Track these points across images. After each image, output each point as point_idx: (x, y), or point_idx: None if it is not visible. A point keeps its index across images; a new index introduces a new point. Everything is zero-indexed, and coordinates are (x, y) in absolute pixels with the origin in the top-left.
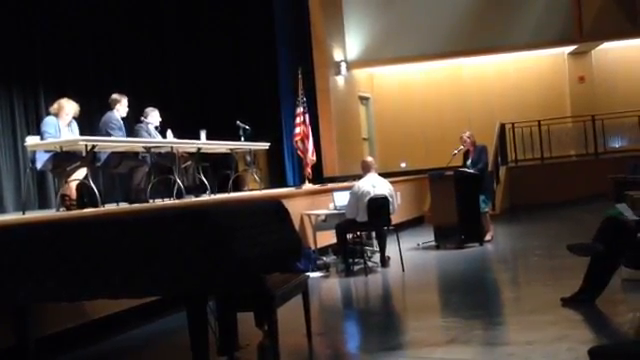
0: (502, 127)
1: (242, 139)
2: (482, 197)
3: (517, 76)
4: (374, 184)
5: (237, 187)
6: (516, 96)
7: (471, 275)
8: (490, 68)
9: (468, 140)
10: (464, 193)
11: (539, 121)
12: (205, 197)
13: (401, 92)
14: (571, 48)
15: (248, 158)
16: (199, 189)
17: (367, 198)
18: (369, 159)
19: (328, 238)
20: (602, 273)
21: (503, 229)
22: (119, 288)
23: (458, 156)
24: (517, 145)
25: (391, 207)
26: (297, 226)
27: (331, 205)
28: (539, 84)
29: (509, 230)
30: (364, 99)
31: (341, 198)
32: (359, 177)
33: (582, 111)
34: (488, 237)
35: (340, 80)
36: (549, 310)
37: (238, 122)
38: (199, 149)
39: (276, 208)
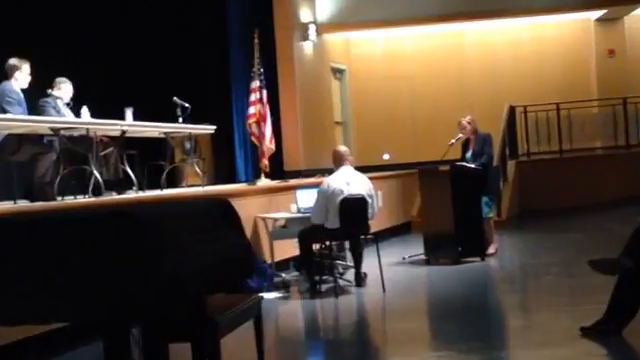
0: (511, 111)
1: (180, 120)
2: (485, 199)
3: (531, 48)
4: (348, 181)
5: (173, 182)
6: (530, 73)
7: (469, 298)
8: (498, 37)
9: (468, 126)
10: (463, 193)
11: (558, 104)
12: (130, 194)
13: (385, 64)
14: (599, 13)
15: (187, 145)
16: (123, 184)
17: (339, 198)
18: (343, 149)
19: (289, 249)
20: (631, 297)
21: (511, 240)
22: (11, 312)
23: (456, 146)
24: (530, 134)
25: (370, 210)
26: (249, 233)
27: (293, 207)
28: (558, 58)
29: (518, 241)
30: (338, 72)
31: (306, 198)
32: (329, 172)
33: (611, 92)
34: (492, 250)
35: (308, 47)
36: (565, 342)
37: (175, 99)
38: (124, 132)
39: (222, 210)
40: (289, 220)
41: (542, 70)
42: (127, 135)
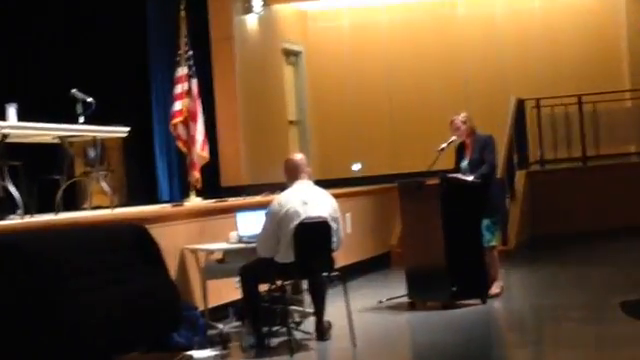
0: (520, 106)
1: (81, 120)
2: (486, 222)
3: (545, 23)
4: (306, 199)
5: (72, 203)
6: (543, 55)
7: (466, 353)
8: (501, 8)
9: (463, 126)
10: (457, 215)
11: (579, 96)
12: (14, 220)
13: (354, 44)
14: None
15: (92, 153)
16: (3, 206)
17: (294, 223)
18: (298, 157)
19: (227, 291)
20: None
21: (520, 275)
22: None
23: (448, 152)
24: (544, 136)
25: (334, 238)
26: (174, 270)
27: (233, 235)
28: (580, 38)
29: (530, 277)
30: (292, 54)
31: (250, 223)
32: (281, 188)
33: None
34: (496, 289)
35: (251, 22)
36: None
37: (74, 91)
38: (4, 136)
39: (137, 240)
40: (228, 252)
41: (559, 52)
42: (9, 140)
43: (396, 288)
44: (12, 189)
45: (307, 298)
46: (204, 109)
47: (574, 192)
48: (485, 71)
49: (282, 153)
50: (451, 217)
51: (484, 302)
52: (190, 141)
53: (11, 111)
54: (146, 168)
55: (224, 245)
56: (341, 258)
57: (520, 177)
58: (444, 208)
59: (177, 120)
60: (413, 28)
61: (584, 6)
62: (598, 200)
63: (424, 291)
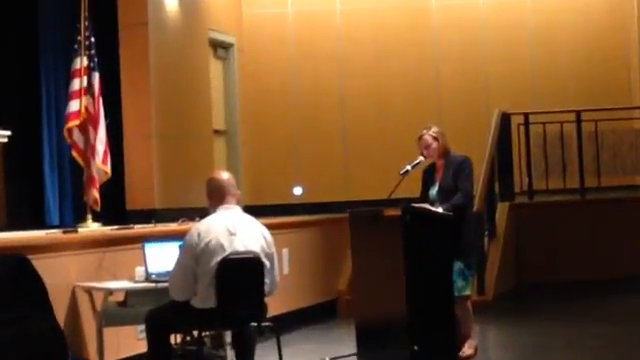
0: (505, 121)
1: None
2: (459, 265)
3: (538, 22)
4: (233, 229)
5: None
6: (536, 62)
7: None
8: (483, 2)
9: (434, 144)
10: (422, 255)
11: (578, 113)
12: None
13: (300, 38)
14: None
15: None
16: None
17: (217, 259)
18: (225, 176)
19: (130, 342)
20: None
21: (500, 333)
22: None
23: (413, 176)
24: (534, 159)
25: (268, 280)
26: (62, 313)
27: (139, 271)
28: (581, 41)
29: (512, 335)
30: (221, 47)
31: (161, 256)
32: (202, 214)
33: None
34: (468, 350)
35: (170, 5)
36: None
37: None
38: None
39: (15, 274)
40: (132, 293)
41: (554, 57)
42: None
43: (343, 344)
44: None
45: (230, 353)
46: (108, 111)
47: (569, 231)
48: (462, 77)
49: (205, 170)
50: (415, 258)
51: None
52: (89, 151)
53: None
54: (31, 183)
55: (127, 284)
56: (275, 305)
57: (502, 211)
58: (407, 246)
59: (73, 124)
60: (375, 21)
61: (587, 3)
62: (598, 242)
63: (378, 349)
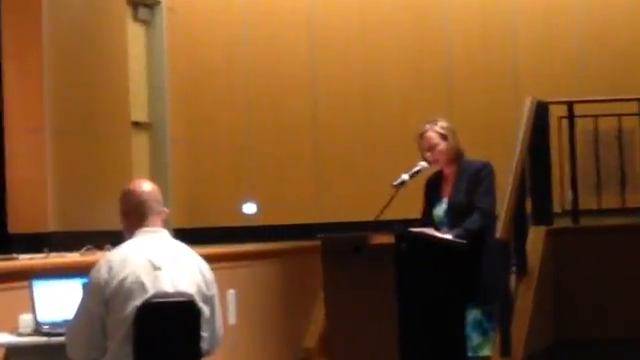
0: (541, 114)
1: None
2: (475, 314)
3: None
4: (158, 262)
5: None
6: (582, 37)
7: None
8: None
9: (441, 144)
10: (423, 299)
11: None
12: None
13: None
14: None
15: None
16: None
17: (135, 303)
18: (146, 188)
19: None
20: None
21: None
22: None
23: (413, 188)
24: (581, 167)
25: (206, 333)
26: None
27: (24, 319)
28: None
29: None
30: (143, 6)
31: (55, 299)
32: (114, 239)
33: None
34: None
35: None
36: None
37: None
38: None
39: None
40: (14, 351)
41: (607, 30)
42: None
43: None
44: None
45: None
46: None
47: (628, 268)
48: (483, 52)
49: (119, 179)
50: (413, 303)
51: None
52: None
53: None
54: None
55: (8, 337)
56: None
57: (536, 238)
58: (401, 286)
59: None
60: None
61: None
62: None
63: None
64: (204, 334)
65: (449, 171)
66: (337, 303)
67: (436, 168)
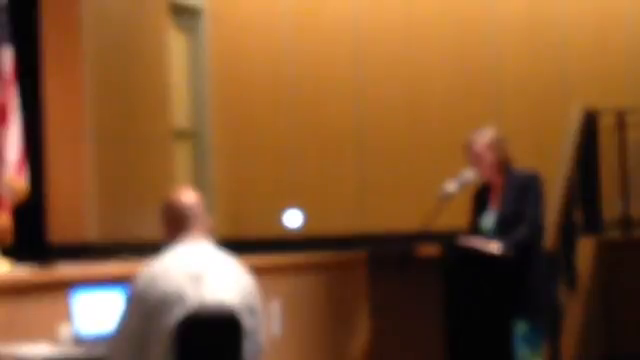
0: (590, 122)
1: None
2: (523, 327)
3: None
4: (199, 273)
5: None
6: (632, 34)
7: None
8: None
9: (489, 155)
10: (471, 312)
11: None
12: None
13: (299, 4)
14: None
15: None
16: None
17: (176, 316)
18: (189, 198)
19: None
20: None
21: None
22: None
23: (460, 199)
24: (633, 177)
25: (249, 344)
26: None
27: (64, 331)
28: None
29: None
30: (186, 13)
31: (96, 311)
32: (155, 249)
33: None
34: None
35: None
36: None
37: None
38: None
39: None
40: None
41: None
42: None
43: None
44: None
45: None
46: (24, 104)
47: None
48: (531, 62)
49: (161, 188)
50: (460, 316)
51: None
52: None
53: None
54: None
55: (47, 349)
56: None
57: (587, 249)
58: (449, 299)
59: None
60: None
61: None
62: None
63: None
64: (248, 343)
65: (497, 181)
66: (383, 315)
67: (483, 179)
